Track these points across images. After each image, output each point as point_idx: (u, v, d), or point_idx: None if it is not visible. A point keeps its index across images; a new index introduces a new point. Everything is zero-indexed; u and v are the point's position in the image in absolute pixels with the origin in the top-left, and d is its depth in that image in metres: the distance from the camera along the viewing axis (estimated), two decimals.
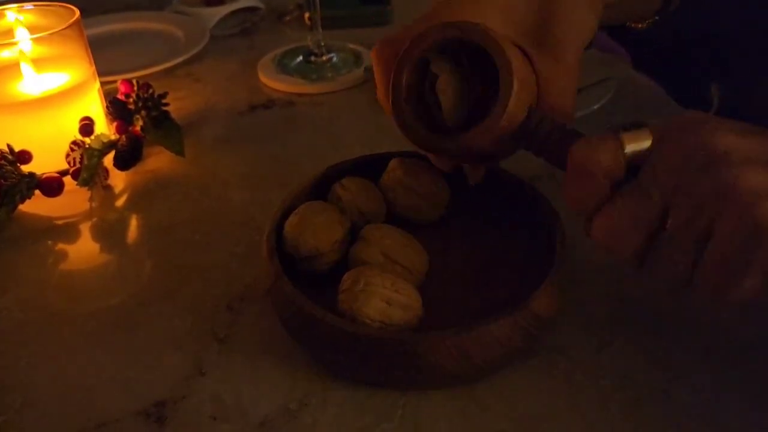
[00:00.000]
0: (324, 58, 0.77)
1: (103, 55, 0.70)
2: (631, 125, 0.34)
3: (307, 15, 0.77)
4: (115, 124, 0.61)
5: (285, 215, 0.45)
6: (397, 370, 0.37)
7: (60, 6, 0.59)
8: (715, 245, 0.32)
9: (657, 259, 0.34)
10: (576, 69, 0.42)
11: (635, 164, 0.34)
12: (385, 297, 0.38)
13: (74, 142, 0.56)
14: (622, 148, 0.34)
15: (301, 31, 0.87)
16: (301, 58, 0.78)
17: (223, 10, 0.89)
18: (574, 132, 0.38)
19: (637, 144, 0.34)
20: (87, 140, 0.57)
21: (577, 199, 0.35)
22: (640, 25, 0.57)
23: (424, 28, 0.41)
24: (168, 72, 0.78)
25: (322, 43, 0.77)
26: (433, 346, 0.36)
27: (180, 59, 0.79)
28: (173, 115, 0.66)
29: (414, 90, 0.42)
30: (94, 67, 0.60)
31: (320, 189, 0.49)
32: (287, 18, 0.92)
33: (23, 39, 0.56)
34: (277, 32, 0.89)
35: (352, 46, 0.80)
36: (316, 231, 0.43)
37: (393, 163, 0.49)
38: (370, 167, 0.50)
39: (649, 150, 0.34)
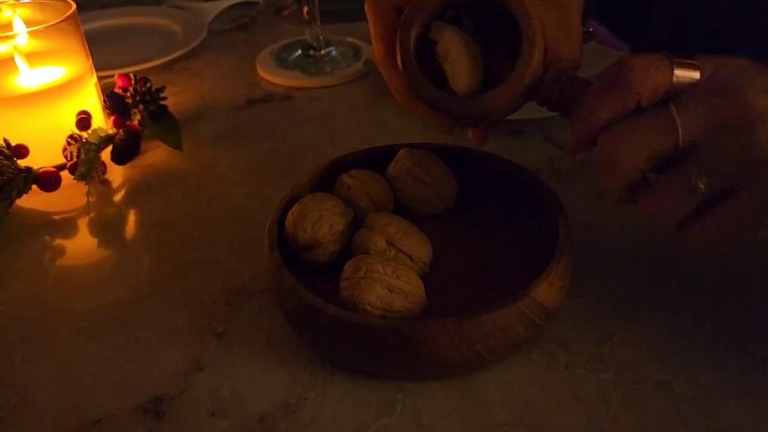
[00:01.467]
0: (323, 52, 0.77)
1: (101, 50, 0.70)
2: (684, 60, 0.33)
3: (305, 9, 0.77)
4: (112, 118, 0.61)
5: (288, 207, 0.45)
6: (399, 358, 0.37)
7: (57, 0, 0.59)
8: (736, 208, 0.32)
9: (657, 197, 0.34)
10: (579, 15, 0.41)
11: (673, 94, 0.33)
12: (386, 284, 0.37)
13: (71, 137, 0.56)
14: (672, 73, 0.33)
15: (300, 26, 0.86)
16: (299, 52, 0.78)
17: (221, 5, 0.89)
18: (588, 81, 0.37)
19: (686, 75, 0.33)
20: (84, 134, 0.56)
21: (599, 110, 0.34)
22: None
23: None
24: (166, 67, 0.78)
25: (321, 37, 0.76)
26: (435, 334, 0.35)
27: (178, 54, 0.79)
28: (171, 109, 0.65)
29: (418, 50, 0.41)
30: (90, 61, 0.60)
31: (324, 182, 0.48)
32: (285, 12, 0.92)
33: (19, 32, 0.56)
34: (276, 26, 0.89)
35: (350, 39, 0.80)
36: (315, 221, 0.42)
37: (401, 152, 0.48)
38: (375, 161, 0.49)
39: (694, 82, 0.33)
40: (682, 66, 0.33)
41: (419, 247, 0.42)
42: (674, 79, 0.33)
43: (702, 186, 0.32)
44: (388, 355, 0.37)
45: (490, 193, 0.49)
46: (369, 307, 0.37)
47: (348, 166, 0.48)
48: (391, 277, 0.38)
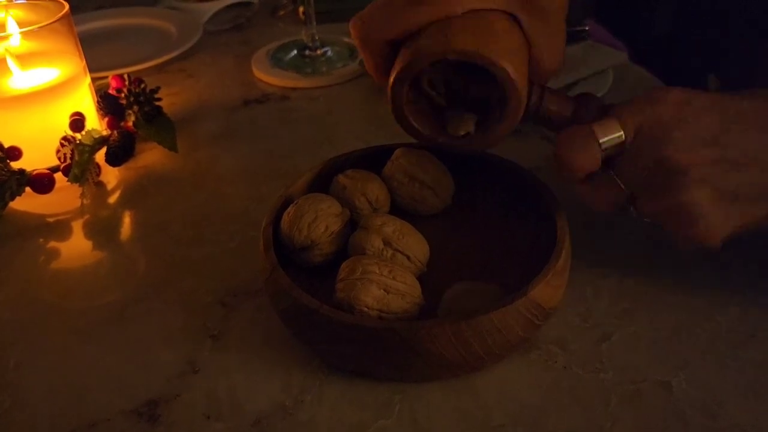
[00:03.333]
0: (318, 52, 0.76)
1: (95, 52, 0.70)
2: (606, 123, 0.39)
3: (301, 9, 0.77)
4: (106, 119, 0.61)
5: (283, 208, 0.44)
6: (396, 359, 0.36)
7: (50, 1, 0.58)
8: (666, 225, 0.40)
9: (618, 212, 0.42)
10: (563, 27, 0.43)
11: (613, 155, 0.40)
12: (382, 284, 0.37)
13: (65, 138, 0.55)
14: (598, 141, 0.39)
15: (295, 26, 0.86)
16: (295, 52, 0.77)
17: (216, 6, 0.88)
18: (565, 97, 0.43)
19: (610, 134, 0.39)
20: (78, 136, 0.56)
21: (567, 176, 0.41)
22: None
23: (422, 45, 0.40)
24: (160, 68, 0.78)
25: (317, 37, 0.76)
26: (432, 335, 0.35)
27: (173, 55, 0.78)
28: (166, 110, 0.65)
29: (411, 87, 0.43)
30: (84, 62, 0.59)
31: (320, 182, 0.48)
32: (281, 13, 0.92)
33: (12, 33, 0.55)
34: (271, 27, 0.88)
35: (346, 40, 0.80)
36: (311, 221, 0.42)
37: (397, 152, 0.48)
38: (371, 161, 0.49)
39: (622, 141, 0.39)
40: (606, 133, 0.39)
41: (417, 247, 0.42)
42: (603, 149, 0.39)
43: (638, 217, 0.41)
44: (385, 357, 0.36)
45: (488, 193, 0.49)
46: (365, 308, 0.37)
47: (344, 166, 0.48)
48: (387, 278, 0.37)
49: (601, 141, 0.39)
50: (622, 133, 0.39)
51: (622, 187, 0.40)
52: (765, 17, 0.63)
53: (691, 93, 0.39)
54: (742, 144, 0.37)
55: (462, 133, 0.44)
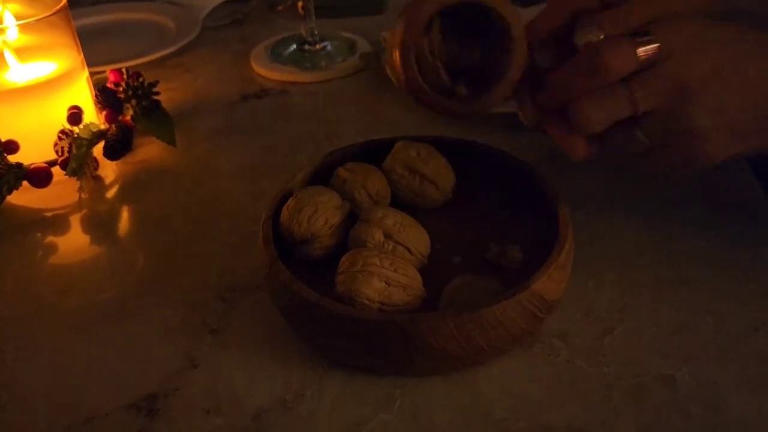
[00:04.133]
0: (318, 46, 0.76)
1: (93, 46, 0.69)
2: (646, 35, 0.38)
3: (300, 4, 0.76)
4: (104, 113, 0.60)
5: (283, 201, 0.44)
6: (398, 353, 0.36)
7: None
8: (669, 154, 0.40)
9: (617, 141, 0.41)
10: None
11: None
12: (384, 277, 0.37)
13: (62, 132, 0.55)
14: (636, 57, 0.37)
15: (294, 21, 0.85)
16: (294, 46, 0.77)
17: (215, 1, 0.88)
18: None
19: (648, 54, 0.37)
20: (75, 129, 0.55)
21: (568, 84, 0.39)
22: None
23: None
24: (159, 63, 0.77)
25: (316, 32, 0.76)
26: (434, 328, 0.35)
27: (171, 50, 0.78)
28: (164, 105, 0.65)
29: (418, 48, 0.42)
30: (82, 55, 0.59)
31: (320, 176, 0.48)
32: (280, 8, 0.91)
33: (9, 26, 0.55)
34: (270, 22, 0.88)
35: (346, 34, 0.79)
36: (311, 214, 0.42)
37: (398, 145, 0.48)
38: (371, 154, 0.49)
39: (656, 58, 0.37)
40: (645, 44, 0.37)
41: (418, 240, 0.42)
42: (638, 58, 0.37)
43: (644, 139, 0.40)
44: (387, 350, 0.36)
45: (489, 186, 0.49)
46: (367, 301, 0.36)
47: (343, 160, 0.48)
48: (388, 270, 0.37)
49: (639, 52, 0.37)
50: (658, 46, 0.37)
51: (636, 98, 0.38)
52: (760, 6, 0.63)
53: (714, 23, 0.39)
54: (759, 75, 0.38)
55: (464, 93, 0.43)
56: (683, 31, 0.38)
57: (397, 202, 0.47)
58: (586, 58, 0.38)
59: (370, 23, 0.83)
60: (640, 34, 0.38)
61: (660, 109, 0.38)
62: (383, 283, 0.37)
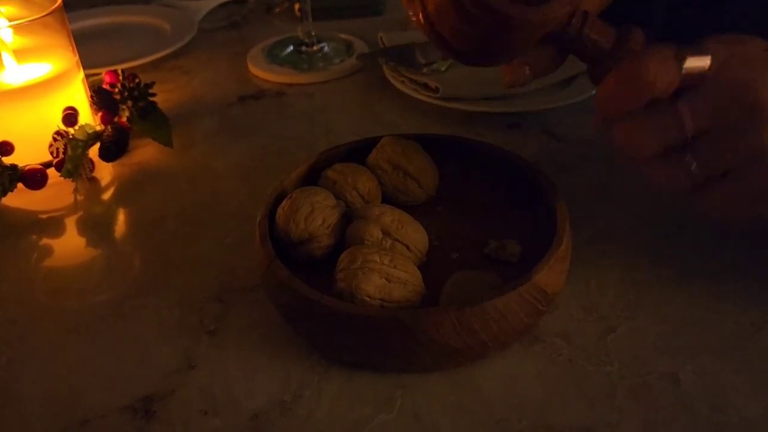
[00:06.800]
0: (315, 48, 0.75)
1: (89, 49, 0.69)
2: (694, 49, 0.34)
3: (297, 6, 0.76)
4: (99, 114, 0.60)
5: (277, 203, 0.43)
6: (399, 349, 0.35)
7: None
8: (732, 187, 0.34)
9: (665, 170, 0.36)
10: None
11: (685, 85, 0.34)
12: (384, 273, 0.36)
13: (57, 132, 0.54)
14: (680, 71, 0.34)
15: (291, 23, 0.85)
16: (291, 48, 0.77)
17: (211, 3, 0.88)
18: (608, 28, 0.38)
19: (695, 67, 0.34)
20: (71, 131, 0.55)
21: (613, 107, 0.35)
22: None
23: None
24: (155, 65, 0.77)
25: (313, 33, 0.75)
26: (437, 322, 0.34)
27: (167, 51, 0.77)
28: (161, 107, 0.64)
29: None
30: (77, 56, 0.58)
31: (314, 176, 0.47)
32: (276, 10, 0.91)
33: (2, 27, 0.54)
34: (267, 24, 0.87)
35: (343, 35, 0.79)
36: (308, 214, 0.41)
37: (383, 140, 0.48)
38: (364, 152, 0.48)
39: (704, 75, 0.34)
40: (693, 55, 0.34)
41: (416, 237, 0.41)
42: (684, 72, 0.34)
43: (694, 169, 0.35)
44: (388, 347, 0.35)
45: (486, 182, 0.48)
46: (367, 298, 0.36)
47: (337, 159, 0.47)
48: (388, 267, 0.37)
49: (684, 70, 0.33)
50: (709, 59, 0.34)
51: (687, 122, 0.34)
52: (760, 9, 0.63)
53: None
54: None
55: None
56: (733, 46, 0.34)
57: (382, 200, 0.47)
58: (625, 68, 0.34)
59: (367, 25, 0.83)
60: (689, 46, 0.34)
61: (723, 123, 0.33)
62: (384, 280, 0.36)
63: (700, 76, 0.34)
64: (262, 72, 0.73)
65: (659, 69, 0.33)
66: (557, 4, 0.36)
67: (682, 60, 0.34)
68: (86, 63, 0.61)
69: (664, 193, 0.50)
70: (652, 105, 0.34)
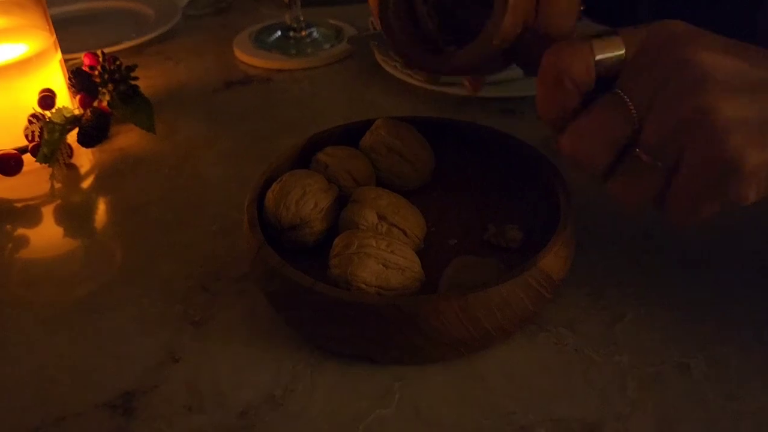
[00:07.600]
0: (303, 33, 0.73)
1: (70, 33, 0.66)
2: (604, 32, 0.33)
3: None
4: (78, 97, 0.57)
5: (265, 188, 0.41)
6: (399, 339, 0.33)
7: None
8: (684, 175, 0.31)
9: (624, 179, 0.33)
10: None
11: (608, 75, 0.32)
12: (381, 259, 0.34)
13: (33, 115, 0.52)
14: (593, 54, 0.32)
15: (279, 10, 0.82)
16: (279, 33, 0.74)
17: None
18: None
19: (610, 51, 0.32)
20: (47, 113, 0.52)
21: (547, 108, 0.34)
22: None
23: None
24: (138, 50, 0.74)
25: (302, 18, 0.73)
26: (438, 310, 0.32)
27: (150, 36, 0.75)
28: (144, 93, 0.61)
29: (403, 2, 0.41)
30: (54, 36, 0.56)
31: (303, 160, 0.45)
32: None
33: None
34: (253, 11, 0.85)
35: (332, 21, 0.77)
36: (299, 198, 0.39)
37: (377, 122, 0.46)
38: (355, 136, 0.47)
39: (622, 60, 0.32)
40: (600, 36, 0.32)
41: (413, 221, 0.39)
42: (598, 56, 0.32)
43: (647, 160, 0.32)
44: (387, 337, 0.33)
45: (486, 167, 0.47)
46: (363, 285, 0.34)
47: (328, 142, 0.45)
48: (385, 252, 0.34)
49: (597, 55, 0.32)
50: (622, 42, 0.32)
51: (627, 105, 0.31)
52: (748, 7, 0.62)
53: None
54: None
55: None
56: (651, 28, 0.32)
57: (376, 184, 0.45)
58: (543, 62, 0.33)
59: (356, 11, 0.80)
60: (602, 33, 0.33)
61: (660, 98, 0.31)
62: (380, 266, 0.34)
63: (618, 60, 0.32)
64: (249, 57, 0.71)
65: (572, 54, 0.32)
66: (464, 53, 0.38)
67: (591, 42, 0.32)
68: (67, 48, 0.59)
69: None
70: (588, 104, 0.33)
